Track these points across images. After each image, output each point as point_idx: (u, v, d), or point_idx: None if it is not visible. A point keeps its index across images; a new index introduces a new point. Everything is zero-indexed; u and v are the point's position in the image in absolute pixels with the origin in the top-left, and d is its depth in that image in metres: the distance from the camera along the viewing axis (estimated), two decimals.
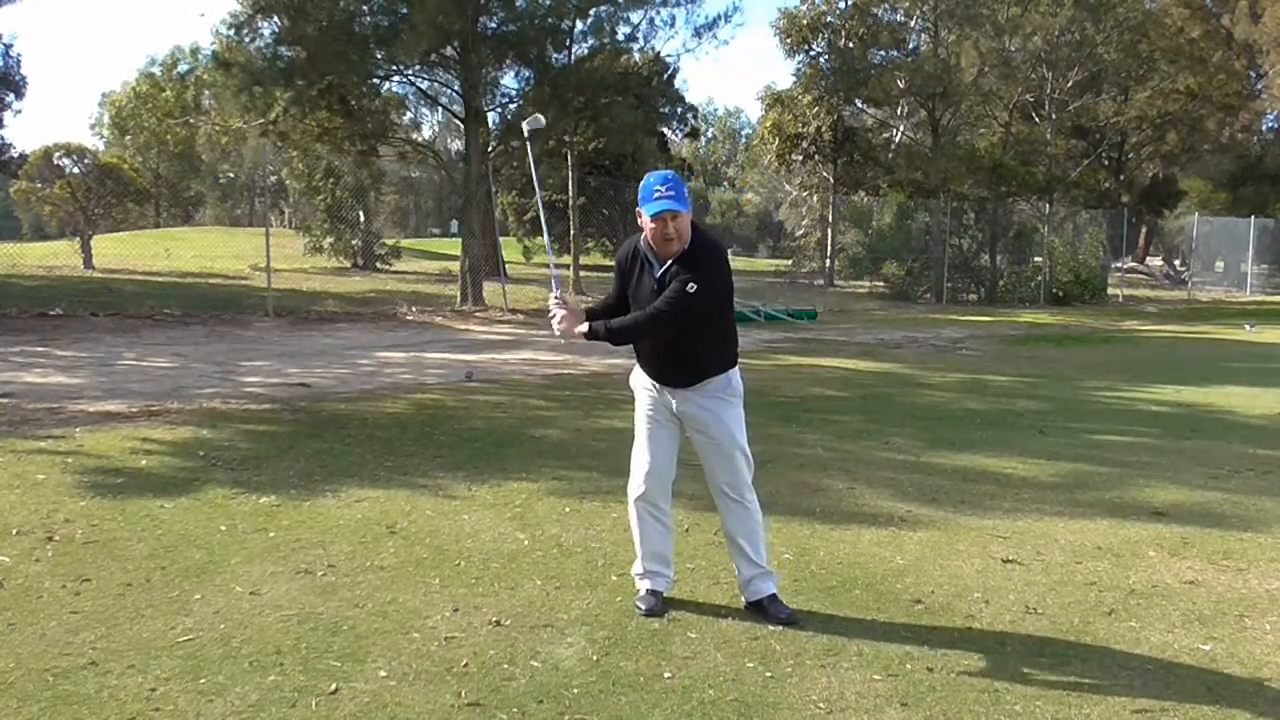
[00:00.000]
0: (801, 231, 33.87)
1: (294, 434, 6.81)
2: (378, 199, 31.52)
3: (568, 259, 24.66)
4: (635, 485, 3.80)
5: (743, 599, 3.79)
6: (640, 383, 3.84)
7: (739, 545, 3.75)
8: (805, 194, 30.77)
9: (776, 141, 28.38)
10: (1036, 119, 29.60)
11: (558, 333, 3.72)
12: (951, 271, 24.90)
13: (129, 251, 24.94)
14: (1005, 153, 27.37)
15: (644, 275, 3.67)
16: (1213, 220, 35.20)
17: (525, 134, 4.40)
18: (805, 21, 26.57)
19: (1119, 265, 31.33)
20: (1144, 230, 41.38)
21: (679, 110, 30.31)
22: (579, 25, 18.63)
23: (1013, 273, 26.34)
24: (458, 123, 23.72)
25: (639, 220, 3.63)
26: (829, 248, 28.38)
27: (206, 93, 19.84)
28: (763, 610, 3.69)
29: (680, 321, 3.54)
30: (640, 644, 3.44)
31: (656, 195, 3.50)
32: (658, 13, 18.88)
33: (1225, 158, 35.74)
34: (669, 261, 3.58)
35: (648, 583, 3.79)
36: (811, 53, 27.00)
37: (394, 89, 21.34)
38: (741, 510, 3.75)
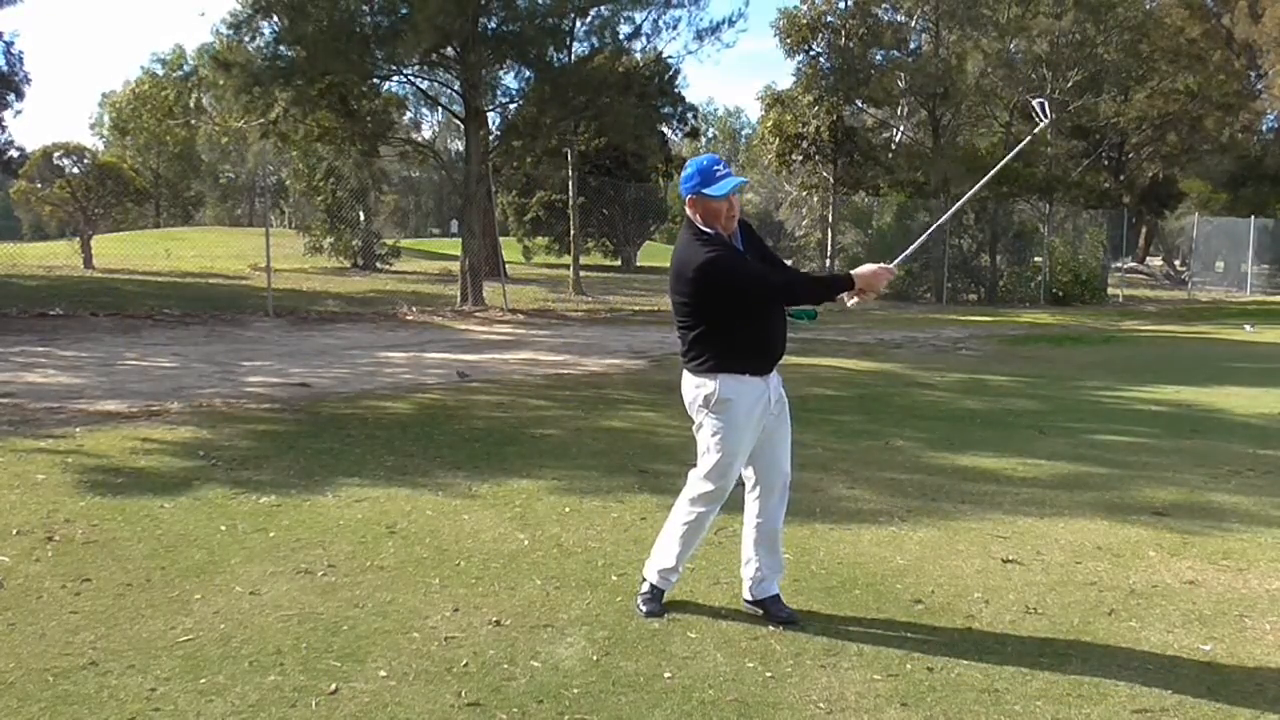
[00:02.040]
0: (801, 231, 33.85)
1: (294, 434, 6.81)
2: (378, 199, 31.51)
3: (568, 259, 24.65)
4: (714, 500, 3.67)
5: (744, 595, 3.77)
6: (745, 392, 3.56)
7: (777, 540, 3.74)
8: (805, 194, 30.74)
9: (776, 142, 28.35)
10: (1037, 119, 29.57)
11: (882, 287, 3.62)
12: (951, 271, 24.89)
13: (129, 251, 24.98)
14: (1006, 153, 27.34)
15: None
16: (1213, 220, 35.18)
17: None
18: (805, 21, 26.54)
19: (1119, 265, 31.32)
20: (1144, 230, 41.36)
21: (679, 110, 30.31)
22: (579, 25, 18.64)
23: (1013, 273, 26.33)
24: (458, 123, 23.72)
25: (695, 209, 3.54)
26: (829, 248, 28.36)
27: (207, 93, 19.85)
28: (764, 609, 3.69)
29: None
30: (640, 644, 3.44)
31: (720, 175, 3.49)
32: (661, 14, 18.89)
33: (1225, 158, 35.71)
34: (738, 234, 3.60)
35: (657, 579, 3.75)
36: (811, 52, 26.97)
37: (394, 89, 21.37)
38: (784, 503, 3.78)
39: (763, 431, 3.64)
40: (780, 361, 3.70)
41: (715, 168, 3.51)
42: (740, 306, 3.52)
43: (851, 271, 3.61)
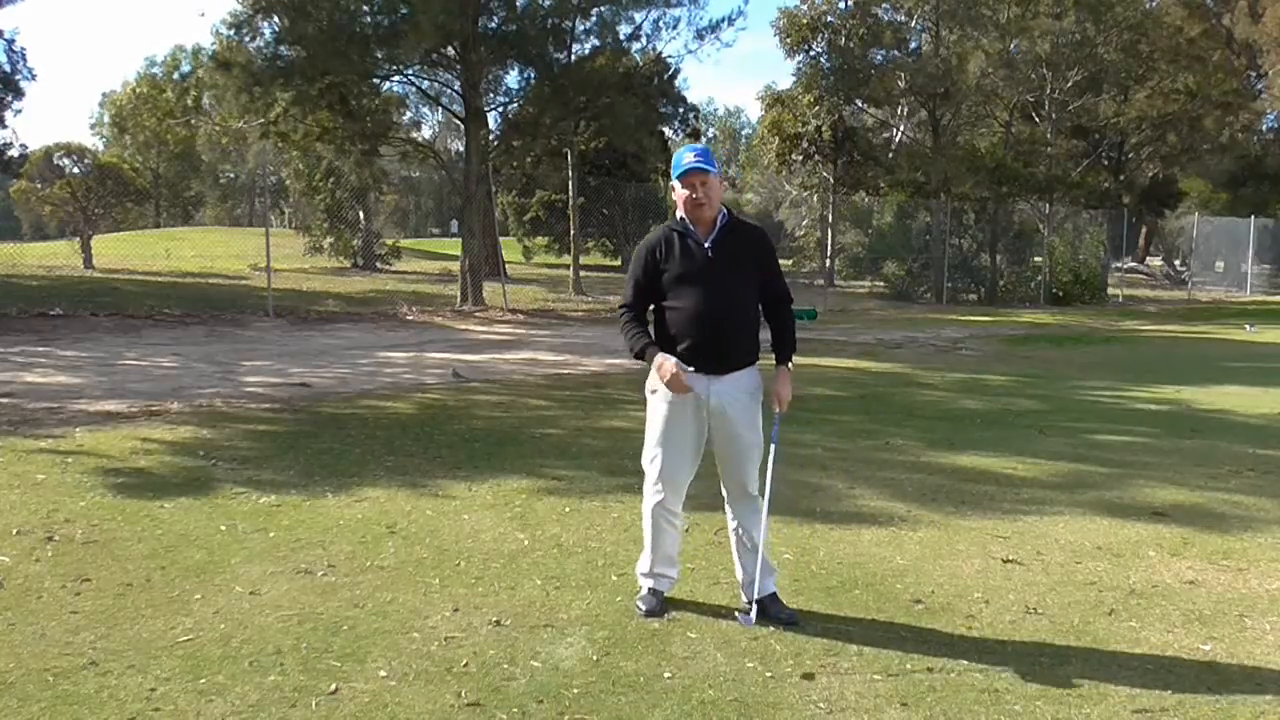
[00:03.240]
0: (801, 231, 33.88)
1: (294, 434, 6.81)
2: (378, 199, 31.51)
3: (568, 259, 24.64)
4: (654, 491, 3.68)
5: (743, 597, 3.78)
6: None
7: (758, 545, 3.69)
8: (805, 194, 30.78)
9: (776, 141, 28.40)
10: (1037, 119, 29.58)
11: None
12: (951, 271, 24.89)
13: (129, 251, 24.97)
14: (1006, 153, 27.37)
15: (689, 251, 3.58)
16: (1213, 220, 35.17)
17: None
18: (805, 21, 26.57)
19: (1119, 265, 31.32)
20: (1144, 230, 41.33)
21: (680, 110, 30.31)
22: (580, 25, 18.65)
23: (1013, 273, 26.33)
24: (458, 123, 23.71)
25: (674, 195, 3.65)
26: (829, 248, 28.38)
27: (207, 93, 19.87)
28: (763, 610, 3.69)
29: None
30: (640, 644, 3.44)
31: (685, 161, 3.55)
32: (661, 14, 18.89)
33: (1225, 158, 35.68)
34: (715, 230, 3.59)
35: (651, 582, 3.77)
36: (812, 52, 27.00)
37: (394, 89, 21.38)
38: (755, 510, 3.73)
39: (720, 437, 3.63)
40: (731, 370, 3.60)
41: (687, 154, 3.58)
42: (662, 293, 3.59)
43: (656, 355, 3.56)
